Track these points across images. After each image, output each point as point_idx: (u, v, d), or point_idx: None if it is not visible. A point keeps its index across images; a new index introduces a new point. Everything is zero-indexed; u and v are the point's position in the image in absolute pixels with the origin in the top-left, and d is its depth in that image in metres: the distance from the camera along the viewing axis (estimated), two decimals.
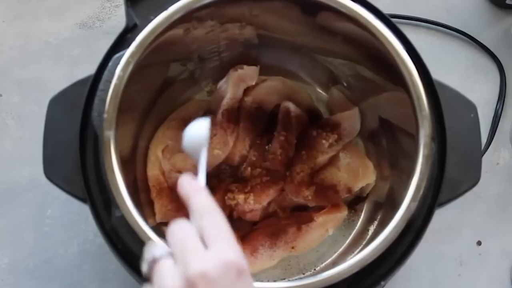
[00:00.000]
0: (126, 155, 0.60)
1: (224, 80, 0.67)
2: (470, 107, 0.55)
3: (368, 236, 0.63)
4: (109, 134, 0.50)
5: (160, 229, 0.63)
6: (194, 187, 0.42)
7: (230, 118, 0.65)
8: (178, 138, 0.65)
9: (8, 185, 0.70)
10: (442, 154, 0.54)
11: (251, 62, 0.66)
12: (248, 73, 0.66)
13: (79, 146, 0.52)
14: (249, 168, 0.65)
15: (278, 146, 0.64)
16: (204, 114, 0.68)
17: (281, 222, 0.63)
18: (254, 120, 0.66)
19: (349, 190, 0.64)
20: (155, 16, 0.54)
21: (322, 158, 0.64)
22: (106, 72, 0.53)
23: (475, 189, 0.54)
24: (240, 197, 0.62)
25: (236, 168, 0.66)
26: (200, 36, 0.61)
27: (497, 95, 0.75)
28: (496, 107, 0.74)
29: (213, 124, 0.64)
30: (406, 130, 0.58)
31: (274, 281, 0.63)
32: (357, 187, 0.64)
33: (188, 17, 0.55)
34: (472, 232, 0.70)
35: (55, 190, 0.53)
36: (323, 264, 0.64)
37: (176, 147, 0.65)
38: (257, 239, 0.63)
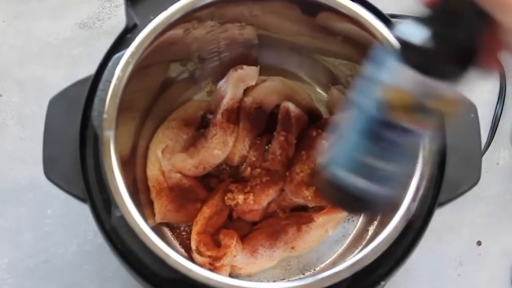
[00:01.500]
0: (126, 155, 0.60)
1: (224, 80, 0.67)
2: (470, 107, 0.55)
3: (368, 236, 0.63)
4: (109, 134, 0.50)
5: (160, 229, 0.64)
6: None
7: (230, 118, 0.65)
8: (178, 138, 0.65)
9: (8, 185, 0.70)
10: (442, 154, 0.54)
11: (251, 62, 0.66)
12: (248, 73, 0.66)
13: (79, 146, 0.52)
14: (249, 168, 0.65)
15: (278, 146, 0.64)
16: (204, 114, 0.68)
17: (281, 222, 0.63)
18: (254, 120, 0.66)
19: None
20: (155, 16, 0.54)
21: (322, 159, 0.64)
22: (106, 72, 0.53)
23: (475, 189, 0.54)
24: (240, 197, 0.62)
25: (236, 168, 0.66)
26: (200, 36, 0.61)
27: (497, 95, 0.75)
28: (496, 107, 0.74)
29: (213, 124, 0.64)
30: None
31: (274, 281, 0.63)
32: None
33: (188, 17, 0.55)
34: (472, 232, 0.70)
35: (55, 190, 0.53)
36: (323, 264, 0.64)
37: (176, 147, 0.65)
38: (257, 239, 0.63)
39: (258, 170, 0.64)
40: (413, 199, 0.51)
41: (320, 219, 0.63)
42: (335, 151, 0.45)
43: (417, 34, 0.39)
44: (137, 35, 0.53)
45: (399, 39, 0.40)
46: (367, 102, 0.41)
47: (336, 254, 0.64)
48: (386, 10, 0.56)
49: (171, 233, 0.64)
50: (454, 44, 0.39)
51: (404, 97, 0.40)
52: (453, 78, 0.40)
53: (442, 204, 0.53)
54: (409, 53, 0.39)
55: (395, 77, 0.40)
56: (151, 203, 0.63)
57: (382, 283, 0.52)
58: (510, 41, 0.38)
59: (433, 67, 0.39)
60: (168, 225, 0.65)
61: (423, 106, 0.40)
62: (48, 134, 0.53)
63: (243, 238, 0.63)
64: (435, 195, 0.53)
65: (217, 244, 0.61)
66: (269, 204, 0.64)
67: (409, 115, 0.41)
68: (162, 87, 0.64)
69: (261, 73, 0.67)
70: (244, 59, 0.66)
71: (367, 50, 0.57)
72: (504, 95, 0.75)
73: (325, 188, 0.47)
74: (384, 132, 0.41)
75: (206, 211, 0.62)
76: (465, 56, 0.40)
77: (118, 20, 0.76)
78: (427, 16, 0.40)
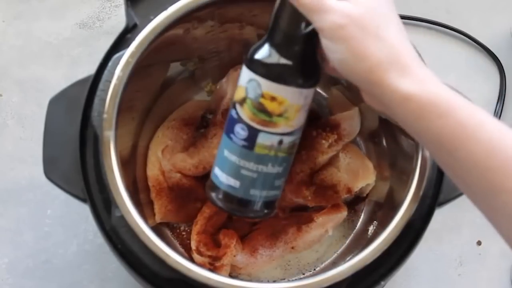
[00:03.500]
0: (126, 155, 0.60)
1: (224, 80, 0.66)
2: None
3: (368, 236, 0.63)
4: (109, 134, 0.50)
5: (160, 229, 0.64)
6: None
7: None
8: (178, 138, 0.65)
9: (8, 185, 0.70)
10: None
11: None
12: None
13: (79, 146, 0.52)
14: None
15: None
16: (204, 114, 0.68)
17: (281, 222, 0.63)
18: None
19: (349, 190, 0.64)
20: (155, 16, 0.54)
21: (322, 158, 0.64)
22: (106, 72, 0.53)
23: None
24: None
25: None
26: (200, 36, 0.61)
27: (497, 95, 0.75)
28: (496, 107, 0.74)
29: (213, 124, 0.64)
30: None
31: (274, 281, 0.63)
32: (357, 187, 0.64)
33: (188, 17, 0.55)
34: (472, 232, 0.70)
35: (55, 190, 0.53)
36: (323, 264, 0.64)
37: (176, 147, 0.65)
38: (257, 239, 0.63)
39: None
40: (413, 199, 0.51)
41: (320, 219, 0.63)
42: (217, 154, 0.51)
43: (262, 51, 0.46)
44: (137, 35, 0.53)
45: (247, 55, 0.47)
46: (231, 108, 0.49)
47: (336, 254, 0.64)
48: None
49: (171, 233, 0.64)
50: (291, 56, 0.46)
51: (240, 92, 0.47)
52: (299, 83, 0.46)
53: (442, 204, 0.53)
54: (255, 65, 0.46)
55: (240, 79, 0.48)
56: (151, 203, 0.63)
57: (382, 283, 0.52)
58: (326, 43, 0.42)
59: (277, 76, 0.46)
60: (168, 225, 0.65)
61: (262, 107, 0.46)
62: (48, 134, 0.53)
63: (243, 238, 0.63)
64: (435, 195, 0.53)
65: (217, 244, 0.61)
66: None
67: (252, 113, 0.46)
68: (162, 87, 0.64)
69: None
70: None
71: None
72: (504, 95, 0.75)
73: (206, 188, 0.53)
74: (237, 128, 0.48)
75: (206, 211, 0.62)
76: (303, 63, 0.46)
77: (118, 20, 0.76)
78: (268, 33, 0.47)
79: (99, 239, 0.53)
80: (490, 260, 0.69)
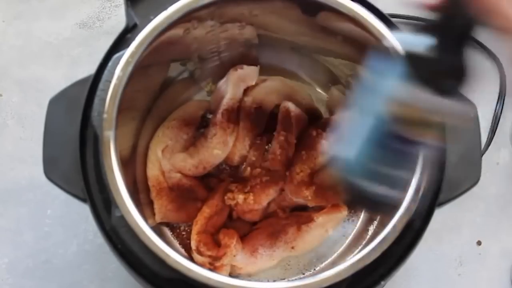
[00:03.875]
0: (126, 155, 0.60)
1: (224, 80, 0.67)
2: (470, 107, 0.55)
3: (368, 236, 0.63)
4: (109, 134, 0.50)
5: (160, 229, 0.64)
6: None
7: (230, 118, 0.65)
8: (178, 138, 0.65)
9: (8, 185, 0.70)
10: (442, 154, 0.54)
11: (251, 62, 0.66)
12: (248, 73, 0.66)
13: (79, 146, 0.52)
14: (248, 168, 0.65)
15: (278, 146, 0.64)
16: (204, 113, 0.68)
17: (281, 222, 0.63)
18: (254, 120, 0.66)
19: None
20: (155, 16, 0.54)
21: (322, 158, 0.64)
22: (106, 72, 0.53)
23: (475, 189, 0.54)
24: (240, 197, 0.62)
25: (236, 168, 0.66)
26: (200, 36, 0.61)
27: (497, 95, 0.75)
28: (496, 107, 0.74)
29: (213, 124, 0.64)
30: None
31: (274, 281, 0.63)
32: None
33: (188, 17, 0.55)
34: (472, 232, 0.70)
35: (55, 190, 0.53)
36: (323, 264, 0.64)
37: (176, 147, 0.65)
38: (257, 239, 0.63)
39: (258, 170, 0.64)
40: (413, 199, 0.51)
41: (320, 219, 0.63)
42: (348, 157, 0.45)
43: (421, 43, 0.39)
44: (137, 35, 0.53)
45: (402, 48, 0.40)
46: (373, 113, 0.42)
47: (336, 254, 0.64)
48: (386, 10, 0.56)
49: (171, 233, 0.64)
50: (458, 54, 0.40)
51: (412, 112, 0.40)
52: (453, 90, 0.41)
53: (442, 204, 0.53)
54: (414, 63, 0.39)
55: (401, 92, 0.40)
56: (151, 203, 0.63)
57: (382, 283, 0.52)
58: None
59: (436, 77, 0.39)
60: (168, 225, 0.65)
61: (427, 120, 0.41)
62: (48, 134, 0.53)
63: (243, 238, 0.63)
64: (435, 195, 0.53)
65: (217, 244, 0.61)
66: (269, 204, 0.64)
67: (413, 128, 0.41)
68: (162, 87, 0.64)
69: (261, 73, 0.67)
70: (244, 59, 0.66)
71: (367, 50, 0.57)
72: (504, 95, 0.75)
73: (343, 189, 0.48)
74: (392, 142, 0.42)
75: (206, 210, 0.62)
76: (464, 67, 0.41)
77: (118, 20, 0.76)
78: (432, 25, 0.41)
79: (99, 239, 0.53)
80: (490, 260, 0.69)
